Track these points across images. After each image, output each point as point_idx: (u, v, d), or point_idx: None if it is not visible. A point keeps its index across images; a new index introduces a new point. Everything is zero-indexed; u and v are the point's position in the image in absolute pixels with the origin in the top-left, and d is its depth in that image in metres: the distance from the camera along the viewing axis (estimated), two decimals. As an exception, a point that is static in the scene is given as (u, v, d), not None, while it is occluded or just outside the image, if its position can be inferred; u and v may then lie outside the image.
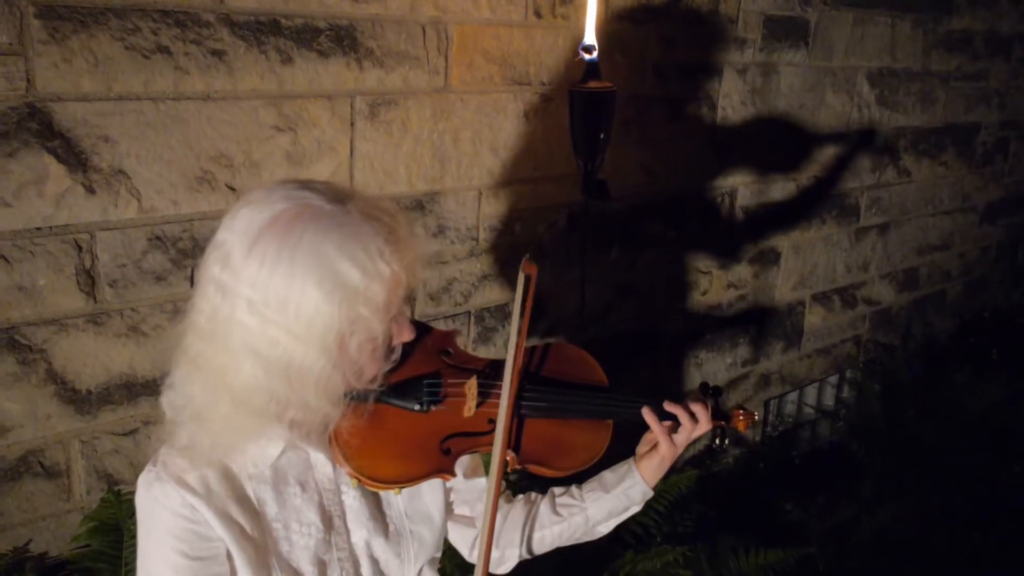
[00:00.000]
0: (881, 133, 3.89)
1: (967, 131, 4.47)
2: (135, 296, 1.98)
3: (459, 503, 1.45)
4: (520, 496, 1.48)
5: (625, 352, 3.14)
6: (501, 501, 1.46)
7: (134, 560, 2.17)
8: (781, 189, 3.51)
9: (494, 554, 1.43)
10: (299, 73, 2.08)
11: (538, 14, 2.50)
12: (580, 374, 1.40)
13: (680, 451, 1.37)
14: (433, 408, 1.24)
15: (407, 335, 1.16)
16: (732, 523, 3.15)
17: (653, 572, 2.52)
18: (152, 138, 1.91)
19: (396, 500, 1.30)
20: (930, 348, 4.58)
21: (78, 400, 1.95)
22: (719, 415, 1.40)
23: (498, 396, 1.24)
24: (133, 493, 2.10)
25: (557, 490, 1.46)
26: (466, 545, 1.48)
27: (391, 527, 1.29)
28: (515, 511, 1.46)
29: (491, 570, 1.43)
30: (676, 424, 1.36)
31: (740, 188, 3.33)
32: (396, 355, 1.17)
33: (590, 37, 1.98)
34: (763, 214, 3.48)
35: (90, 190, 1.85)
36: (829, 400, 4.29)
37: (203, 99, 1.95)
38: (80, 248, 1.87)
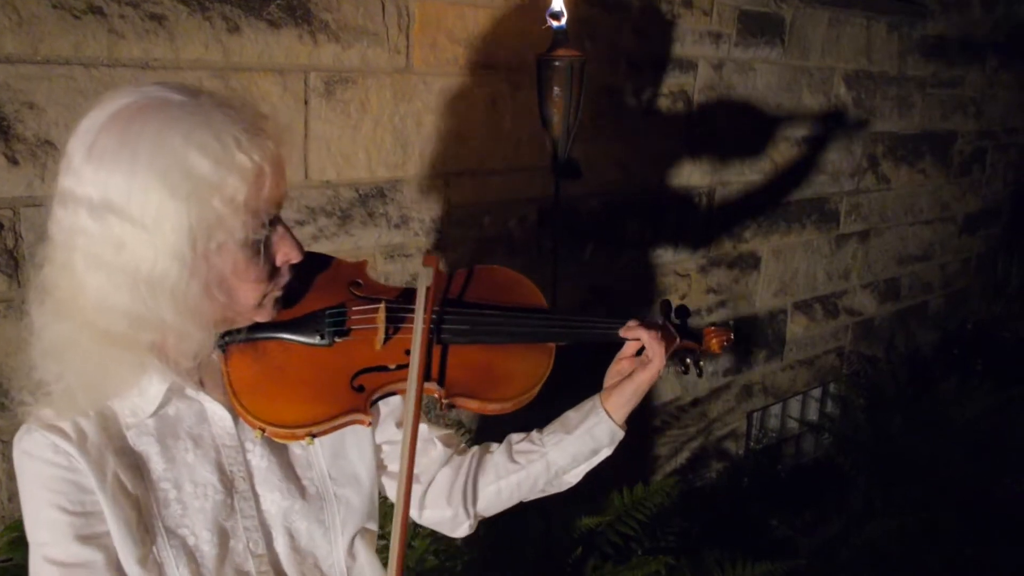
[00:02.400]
0: (859, 137, 3.82)
1: (944, 139, 4.42)
2: (64, 281, 1.81)
3: (394, 458, 1.27)
4: (475, 448, 1.32)
5: (599, 358, 2.99)
6: (453, 454, 1.31)
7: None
8: (760, 191, 3.41)
9: (446, 513, 1.28)
10: (247, 44, 1.94)
11: (505, -4, 2.40)
12: (514, 298, 1.23)
13: (652, 379, 1.20)
14: (338, 340, 1.09)
15: (293, 253, 1.01)
16: (716, 538, 2.99)
17: (635, 585, 2.35)
18: (84, 107, 1.73)
19: (316, 459, 1.14)
20: (914, 361, 4.48)
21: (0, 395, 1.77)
22: (689, 335, 1.25)
23: (411, 326, 1.09)
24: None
25: (515, 437, 1.29)
26: (414, 506, 1.29)
27: (310, 490, 1.13)
28: (468, 463, 1.29)
29: (447, 533, 1.33)
30: (642, 348, 1.21)
31: (718, 188, 3.22)
32: (282, 279, 1.02)
33: (558, 3, 1.86)
34: (742, 216, 3.37)
35: (13, 161, 1.69)
36: (813, 415, 4.16)
37: (141, 67, 1.81)
38: (2, 226, 1.71)
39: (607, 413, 1.22)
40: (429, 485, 1.29)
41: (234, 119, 0.92)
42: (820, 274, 3.87)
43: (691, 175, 3.11)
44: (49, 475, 0.96)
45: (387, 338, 1.11)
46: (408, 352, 1.09)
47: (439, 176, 2.38)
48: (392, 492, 1.28)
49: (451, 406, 1.11)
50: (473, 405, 1.12)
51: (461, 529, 1.30)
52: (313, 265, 1.14)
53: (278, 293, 1.03)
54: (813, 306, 3.90)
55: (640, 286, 3.06)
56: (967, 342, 4.82)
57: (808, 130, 3.53)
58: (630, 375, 1.21)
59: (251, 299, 1.00)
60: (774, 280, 3.63)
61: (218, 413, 1.06)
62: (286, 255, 1.00)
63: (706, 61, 3.02)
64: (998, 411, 3.86)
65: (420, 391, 1.07)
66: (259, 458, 1.09)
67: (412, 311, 1.11)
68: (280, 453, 1.11)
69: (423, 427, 1.29)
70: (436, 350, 1.13)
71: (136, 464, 1.01)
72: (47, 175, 1.73)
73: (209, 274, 0.94)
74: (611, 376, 1.26)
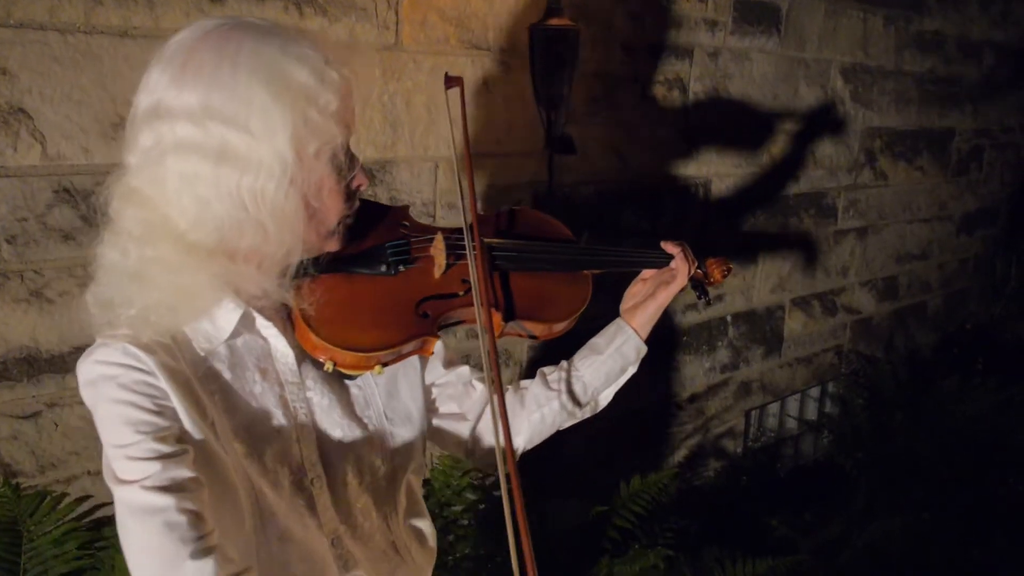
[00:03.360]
0: (856, 131, 3.77)
1: (942, 136, 4.38)
2: (38, 256, 1.74)
3: (444, 399, 1.34)
4: (507, 388, 1.37)
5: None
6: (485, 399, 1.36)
7: (34, 566, 1.89)
8: (757, 183, 3.35)
9: (490, 444, 1.34)
10: (230, 13, 1.88)
11: (497, -25, 2.34)
12: (547, 233, 1.34)
13: (671, 295, 1.34)
14: (402, 269, 1.16)
15: (364, 180, 1.07)
16: (715, 537, 2.92)
17: (631, 579, 2.27)
18: (59, 75, 1.69)
19: (373, 399, 1.18)
20: (913, 361, 4.41)
21: (-33, 374, 1.69)
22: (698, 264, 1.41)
23: (466, 256, 1.17)
24: (34, 487, 1.83)
25: (546, 369, 1.36)
26: (461, 444, 1.35)
27: (369, 428, 1.16)
28: (508, 400, 1.34)
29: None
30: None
31: (715, 180, 3.17)
32: (354, 205, 1.07)
33: (551, -29, 1.81)
34: (739, 208, 3.32)
35: (-17, 128, 1.62)
36: (811, 415, 4.09)
37: (119, 35, 1.74)
38: (-28, 197, 1.64)
39: (633, 330, 1.33)
40: (477, 422, 1.34)
41: (316, 42, 0.98)
42: (818, 270, 3.81)
43: (687, 165, 3.06)
44: (125, 378, 0.94)
45: (447, 267, 1.17)
46: (465, 281, 1.17)
47: (429, 159, 2.31)
48: (445, 436, 1.34)
49: (507, 334, 1.19)
50: (531, 327, 1.22)
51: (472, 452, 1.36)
52: (363, 208, 1.18)
53: (349, 220, 1.07)
54: (811, 303, 3.83)
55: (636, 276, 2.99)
56: (967, 344, 4.76)
57: (805, 123, 3.48)
58: (652, 294, 1.34)
59: (334, 217, 1.03)
60: (772, 275, 3.57)
61: (281, 349, 1.08)
62: (359, 180, 1.06)
63: (702, 49, 2.97)
64: (1000, 410, 3.80)
65: (488, 303, 1.14)
66: (320, 396, 1.11)
67: (465, 241, 1.17)
68: (340, 392, 1.14)
69: (463, 369, 1.34)
70: (492, 280, 1.21)
71: (208, 385, 1.02)
72: (20, 145, 1.67)
73: (306, 184, 0.97)
74: (628, 299, 1.38)
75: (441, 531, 2.39)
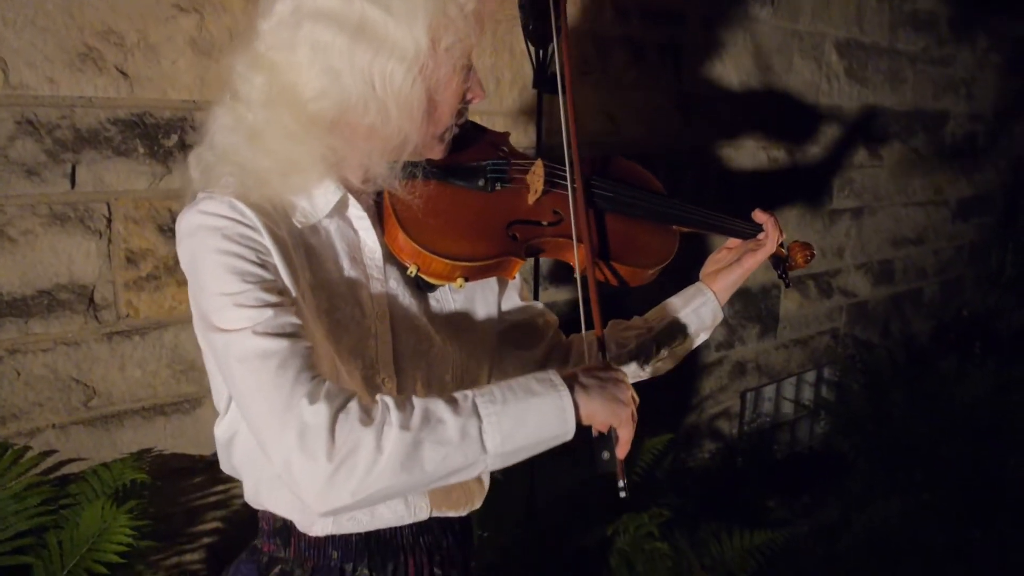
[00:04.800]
0: (851, 109, 3.72)
1: (936, 119, 4.33)
2: (-1, 191, 1.65)
3: (514, 329, 1.31)
4: (575, 334, 1.35)
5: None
6: (558, 330, 1.35)
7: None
8: (750, 156, 3.29)
9: None
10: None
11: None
12: (642, 181, 1.33)
13: (758, 263, 1.32)
14: (498, 188, 1.16)
15: (480, 92, 1.07)
16: (712, 516, 2.83)
17: (627, 547, 2.18)
18: (22, -2, 1.61)
19: (450, 311, 1.17)
20: (910, 346, 4.34)
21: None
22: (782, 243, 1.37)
23: (563, 187, 1.17)
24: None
25: (617, 321, 1.34)
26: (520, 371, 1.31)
27: (441, 339, 1.14)
28: (575, 340, 1.33)
29: None
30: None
31: (708, 150, 3.10)
32: (463, 117, 1.08)
33: (539, -100, 1.74)
34: (732, 181, 3.25)
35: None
36: (807, 400, 4.01)
37: (88, -41, 1.67)
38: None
39: (713, 294, 1.31)
40: (547, 357, 1.32)
41: None
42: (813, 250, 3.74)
43: (680, 133, 2.99)
44: (231, 230, 0.94)
45: (542, 193, 1.17)
46: (556, 212, 1.17)
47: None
48: (501, 367, 1.30)
49: (593, 273, 1.15)
50: (622, 272, 1.20)
51: None
52: (467, 125, 1.18)
53: (457, 130, 1.07)
54: (806, 283, 3.76)
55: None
56: (963, 331, 4.69)
57: (799, 97, 3.43)
58: (738, 260, 1.31)
59: (447, 119, 1.04)
60: (767, 252, 3.49)
61: (370, 244, 1.09)
62: (474, 92, 1.06)
63: (694, 15, 2.91)
64: (1000, 392, 3.73)
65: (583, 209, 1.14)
66: (401, 297, 1.11)
67: (563, 171, 1.17)
68: (419, 299, 1.14)
69: (538, 305, 1.34)
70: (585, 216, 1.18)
71: (300, 257, 1.01)
72: (-20, 70, 1.58)
73: (433, 77, 0.99)
74: (711, 264, 1.36)
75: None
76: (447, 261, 1.06)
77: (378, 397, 0.91)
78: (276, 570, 1.09)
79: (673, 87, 2.92)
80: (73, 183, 1.72)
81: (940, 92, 4.29)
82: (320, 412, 0.86)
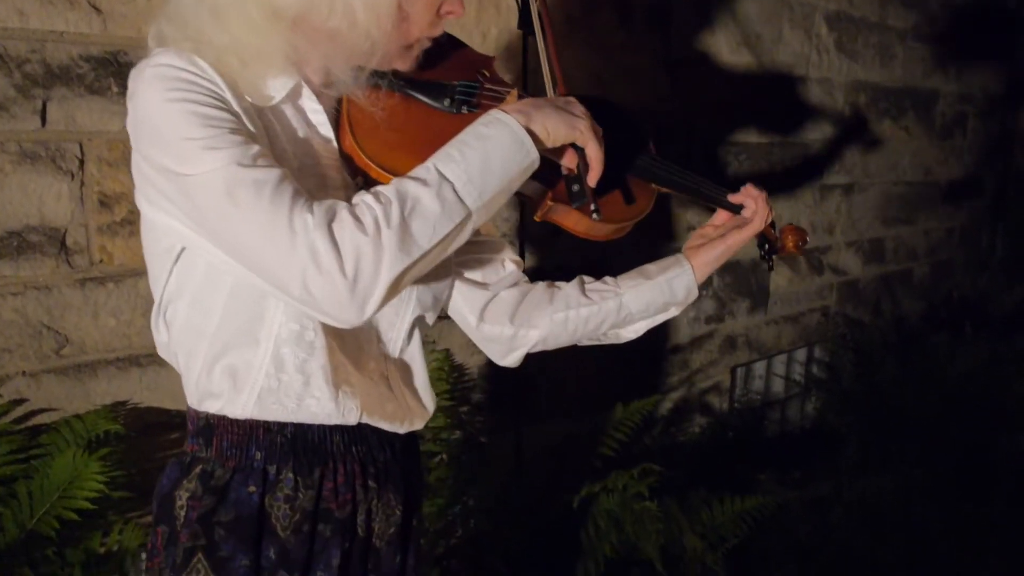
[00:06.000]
0: (841, 83, 3.69)
1: (926, 97, 4.31)
2: (-34, 126, 1.60)
3: (470, 263, 1.26)
4: (541, 281, 1.30)
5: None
6: (521, 280, 1.30)
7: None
8: (739, 126, 3.26)
9: (505, 330, 1.26)
10: None
11: None
12: (625, 127, 1.25)
13: (743, 241, 1.26)
14: (465, 111, 1.09)
15: (458, 9, 1.03)
16: (702, 487, 2.79)
17: (616, 507, 2.14)
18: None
19: None
20: (900, 327, 4.32)
21: None
22: (772, 224, 1.30)
23: None
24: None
25: (587, 277, 1.30)
26: (474, 312, 1.27)
27: None
28: (536, 291, 1.28)
29: (496, 358, 1.31)
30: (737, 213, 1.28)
31: (697, 118, 3.07)
32: (436, 31, 1.04)
33: None
34: (722, 151, 3.22)
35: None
36: (797, 377, 3.98)
37: None
38: None
39: (691, 267, 1.26)
40: (494, 297, 1.27)
41: None
42: (804, 225, 3.71)
43: (669, 100, 2.95)
44: (191, 79, 0.91)
45: None
46: None
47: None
48: (460, 302, 1.26)
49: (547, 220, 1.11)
50: (570, 221, 1.13)
51: (513, 356, 1.29)
52: (447, 42, 1.14)
53: (428, 44, 1.05)
54: (797, 259, 3.73)
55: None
56: (953, 313, 4.67)
57: (789, 68, 3.40)
58: (723, 236, 1.26)
59: (416, 32, 1.01)
60: (757, 225, 3.46)
61: (325, 134, 1.04)
62: (452, 7, 1.02)
63: (684, -22, 2.88)
64: (992, 365, 3.71)
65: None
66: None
67: None
68: None
69: (500, 241, 1.30)
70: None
71: (264, 128, 0.98)
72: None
73: None
74: (696, 238, 1.30)
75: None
76: (391, 177, 1.00)
77: (356, 199, 0.91)
78: (197, 470, 1.05)
79: (661, 52, 2.89)
80: (44, 121, 1.67)
81: (930, 71, 4.28)
82: (321, 228, 0.85)
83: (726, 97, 3.16)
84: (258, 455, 1.04)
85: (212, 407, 1.04)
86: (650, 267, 1.28)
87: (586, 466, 2.25)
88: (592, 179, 1.04)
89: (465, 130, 0.96)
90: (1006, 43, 4.80)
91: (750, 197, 1.26)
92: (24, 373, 1.74)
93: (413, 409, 1.17)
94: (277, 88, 1.00)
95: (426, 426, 2.41)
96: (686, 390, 3.34)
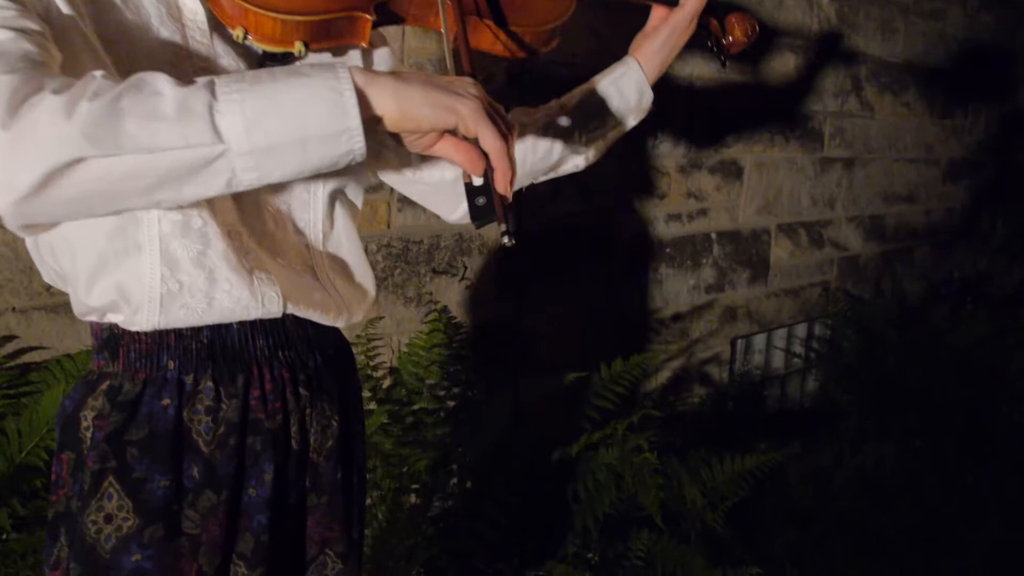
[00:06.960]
0: (842, 54, 3.67)
1: (927, 74, 4.29)
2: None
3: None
4: None
5: (575, 255, 2.77)
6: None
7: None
8: (740, 94, 3.23)
9: (446, 174, 1.15)
10: None
11: None
12: None
13: (688, 19, 1.14)
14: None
15: None
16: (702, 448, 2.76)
17: (616, 460, 2.11)
18: None
19: None
20: (902, 304, 4.30)
21: None
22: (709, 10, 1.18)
23: None
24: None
25: (529, 109, 1.19)
26: (411, 159, 1.14)
27: None
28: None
29: (444, 213, 1.23)
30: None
31: (697, 82, 3.04)
32: None
33: None
34: (723, 116, 3.19)
35: None
36: (798, 352, 3.95)
37: None
38: None
39: (638, 64, 1.16)
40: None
41: None
42: (804, 198, 3.69)
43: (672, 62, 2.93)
44: None
45: None
46: None
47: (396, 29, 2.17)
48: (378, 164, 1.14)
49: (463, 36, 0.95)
50: (486, 40, 1.03)
51: (459, 210, 1.19)
52: None
53: None
54: (797, 231, 3.71)
55: (615, 176, 2.85)
56: (954, 292, 4.66)
57: (789, 36, 3.38)
58: (665, 19, 1.16)
59: None
60: (757, 195, 3.44)
61: (190, 5, 0.92)
62: None
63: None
64: (992, 339, 3.69)
65: None
66: (233, 69, 0.95)
67: None
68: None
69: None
70: None
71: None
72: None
73: None
74: (637, 38, 1.21)
75: (412, 427, 2.23)
76: (276, 16, 0.87)
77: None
78: (104, 386, 0.93)
79: (662, 14, 2.86)
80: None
81: (931, 47, 4.26)
82: (10, 79, 0.67)
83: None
84: (171, 364, 0.93)
85: (115, 319, 0.93)
86: (594, 77, 1.18)
87: (585, 419, 2.22)
88: (500, 184, 0.76)
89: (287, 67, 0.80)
90: (1008, 20, 4.78)
91: None
92: (14, 309, 1.71)
93: (347, 299, 1.05)
94: None
95: (422, 382, 2.39)
96: (685, 359, 3.32)
